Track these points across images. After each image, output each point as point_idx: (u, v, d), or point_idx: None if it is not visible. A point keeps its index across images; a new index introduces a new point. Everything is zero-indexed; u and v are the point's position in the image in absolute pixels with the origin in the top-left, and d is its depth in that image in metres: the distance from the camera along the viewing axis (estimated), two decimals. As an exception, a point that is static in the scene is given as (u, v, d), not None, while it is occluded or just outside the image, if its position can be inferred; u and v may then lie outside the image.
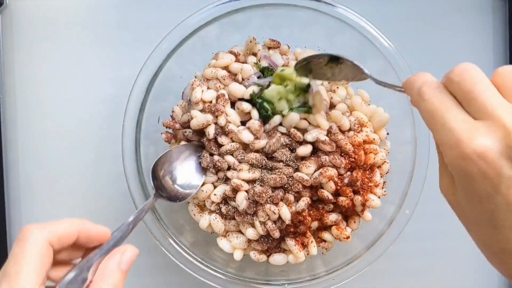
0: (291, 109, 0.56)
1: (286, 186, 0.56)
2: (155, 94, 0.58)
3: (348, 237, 0.57)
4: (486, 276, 0.68)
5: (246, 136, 0.55)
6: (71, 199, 0.67)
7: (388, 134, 0.61)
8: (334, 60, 0.51)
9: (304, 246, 0.57)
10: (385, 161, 0.58)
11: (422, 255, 0.68)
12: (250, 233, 0.56)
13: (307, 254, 0.57)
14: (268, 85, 0.57)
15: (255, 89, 0.57)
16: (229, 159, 0.56)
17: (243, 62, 0.59)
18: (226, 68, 0.58)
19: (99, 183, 0.67)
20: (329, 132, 0.56)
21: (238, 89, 0.57)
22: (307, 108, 0.57)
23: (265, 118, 0.57)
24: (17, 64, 0.67)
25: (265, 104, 0.56)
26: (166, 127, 0.59)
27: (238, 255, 0.57)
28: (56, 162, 0.67)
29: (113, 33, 0.67)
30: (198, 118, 0.56)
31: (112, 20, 0.67)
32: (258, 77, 0.58)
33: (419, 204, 0.58)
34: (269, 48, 0.61)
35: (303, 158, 0.56)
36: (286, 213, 0.55)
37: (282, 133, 0.57)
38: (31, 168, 0.67)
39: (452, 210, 0.38)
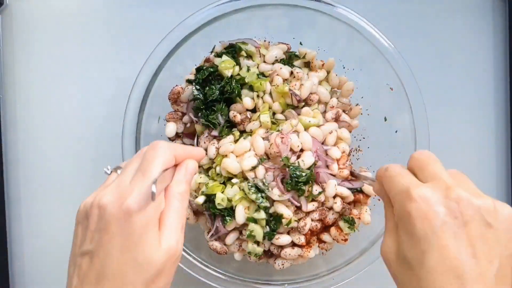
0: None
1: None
2: (155, 94, 0.58)
3: (346, 240, 0.57)
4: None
5: None
6: (71, 199, 0.66)
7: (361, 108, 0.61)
8: None
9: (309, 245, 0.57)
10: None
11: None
12: (248, 246, 0.56)
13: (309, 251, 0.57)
14: None
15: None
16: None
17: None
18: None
19: (99, 183, 0.67)
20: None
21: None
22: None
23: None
24: (17, 64, 0.67)
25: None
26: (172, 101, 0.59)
27: (238, 255, 0.57)
28: (56, 162, 0.67)
29: (113, 33, 0.67)
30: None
31: (112, 20, 0.67)
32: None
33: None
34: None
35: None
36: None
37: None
38: (31, 168, 0.67)
39: (389, 271, 0.40)
